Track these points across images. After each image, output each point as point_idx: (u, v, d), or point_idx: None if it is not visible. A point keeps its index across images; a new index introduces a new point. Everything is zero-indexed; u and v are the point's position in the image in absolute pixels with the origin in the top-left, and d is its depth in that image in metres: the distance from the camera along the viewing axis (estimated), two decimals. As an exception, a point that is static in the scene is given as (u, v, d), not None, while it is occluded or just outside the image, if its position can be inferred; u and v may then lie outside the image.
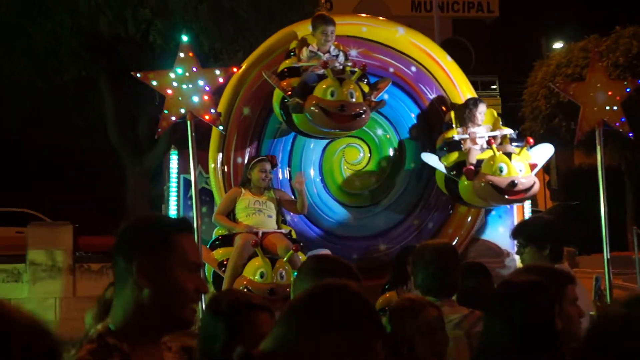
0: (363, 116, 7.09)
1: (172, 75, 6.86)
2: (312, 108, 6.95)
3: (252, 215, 7.22)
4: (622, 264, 14.95)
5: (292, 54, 7.56)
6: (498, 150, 7.26)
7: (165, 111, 6.91)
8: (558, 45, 26.79)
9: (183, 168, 7.87)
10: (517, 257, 6.63)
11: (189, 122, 6.82)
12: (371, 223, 8.15)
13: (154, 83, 6.97)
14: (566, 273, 3.64)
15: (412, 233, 8.09)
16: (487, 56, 30.32)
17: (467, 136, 7.56)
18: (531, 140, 7.65)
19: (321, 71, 7.17)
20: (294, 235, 7.40)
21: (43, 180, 23.40)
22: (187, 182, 7.59)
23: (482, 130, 7.65)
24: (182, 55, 6.97)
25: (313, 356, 2.04)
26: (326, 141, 8.02)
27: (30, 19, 14.10)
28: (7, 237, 17.59)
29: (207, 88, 6.91)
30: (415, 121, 8.18)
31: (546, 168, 30.94)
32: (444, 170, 7.52)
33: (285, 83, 7.24)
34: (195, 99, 6.84)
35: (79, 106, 17.56)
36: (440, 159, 7.64)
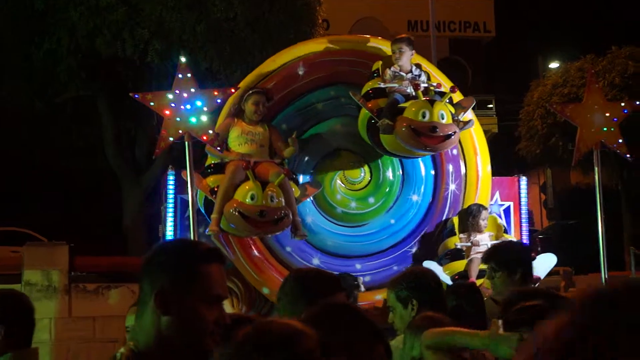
0: (453, 137, 7.13)
1: (170, 96, 6.87)
2: (403, 129, 7.01)
3: (244, 144, 7.35)
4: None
5: (375, 75, 7.63)
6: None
7: (163, 132, 6.90)
8: (554, 65, 26.89)
9: (180, 188, 7.85)
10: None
11: (186, 143, 6.81)
12: (352, 245, 8.13)
13: (152, 104, 6.98)
14: (566, 298, 3.63)
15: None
16: (484, 76, 30.44)
17: (469, 244, 7.53)
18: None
19: (408, 91, 7.26)
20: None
21: (40, 200, 23.35)
22: (185, 203, 7.57)
23: (485, 239, 7.59)
24: (180, 76, 6.97)
25: None
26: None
27: (28, 38, 14.12)
28: (2, 257, 17.50)
29: (205, 109, 6.90)
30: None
31: (542, 187, 30.96)
32: (448, 281, 7.31)
33: (371, 104, 7.32)
34: (193, 119, 6.84)
35: (77, 127, 17.55)
36: (442, 269, 7.58)
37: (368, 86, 7.54)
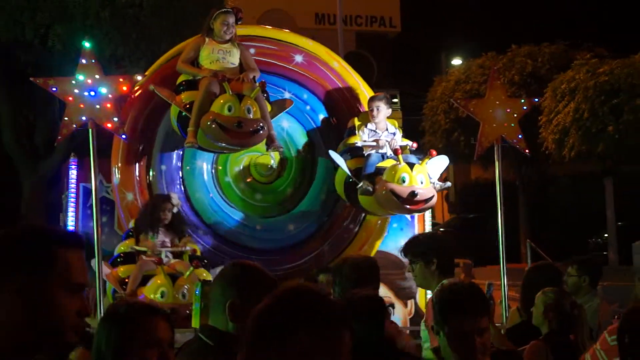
0: (431, 202, 7.63)
1: (73, 82, 6.71)
2: (384, 193, 7.35)
3: (215, 62, 7.42)
4: (516, 275, 15.44)
5: (352, 132, 7.87)
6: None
7: (66, 118, 6.74)
8: (457, 61, 27.60)
9: (83, 176, 7.69)
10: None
11: (90, 130, 6.68)
12: (277, 235, 8.21)
13: (55, 90, 6.81)
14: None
15: (314, 251, 8.17)
16: (390, 70, 30.90)
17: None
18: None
19: (384, 150, 7.65)
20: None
21: None
22: (87, 191, 7.43)
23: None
24: (84, 61, 6.82)
25: (282, 357, 2.02)
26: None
27: None
28: None
29: (109, 96, 6.78)
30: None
31: (444, 181, 31.77)
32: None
33: (349, 163, 7.63)
34: (98, 106, 6.70)
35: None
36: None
37: (345, 144, 7.75)
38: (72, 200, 7.84)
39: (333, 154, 7.66)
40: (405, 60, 32.37)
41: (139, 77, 7.52)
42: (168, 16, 14.03)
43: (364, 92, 8.30)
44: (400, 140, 7.78)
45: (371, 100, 7.87)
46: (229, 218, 8.09)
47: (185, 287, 6.83)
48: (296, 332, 2.02)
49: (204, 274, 7.09)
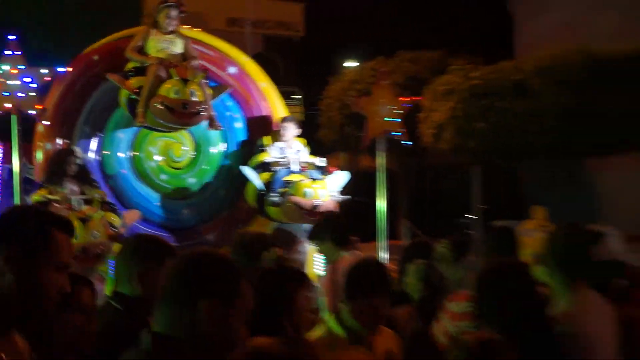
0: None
1: (-1, 71, 6.49)
2: (288, 205, 7.60)
3: (161, 51, 7.47)
4: (395, 250, 15.79)
5: (261, 148, 8.00)
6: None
7: (-10, 104, 6.52)
8: (352, 63, 27.78)
9: (6, 159, 7.44)
10: (307, 246, 6.98)
11: (13, 116, 6.48)
12: (172, 216, 8.15)
13: (-22, 77, 6.55)
14: None
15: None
16: (293, 70, 30.94)
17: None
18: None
19: (291, 166, 7.77)
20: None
21: None
22: (10, 172, 7.20)
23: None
24: (9, 52, 6.60)
25: (193, 320, 2.01)
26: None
27: None
28: None
29: (33, 85, 6.59)
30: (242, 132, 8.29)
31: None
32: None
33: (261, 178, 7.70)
34: (21, 94, 6.50)
35: None
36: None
37: (256, 160, 7.83)
38: (-3, 180, 7.57)
39: (245, 168, 7.73)
40: (307, 61, 32.45)
41: (62, 70, 7.32)
42: (87, 15, 13.62)
43: (280, 113, 8.31)
44: (306, 157, 7.87)
45: (282, 120, 7.95)
46: (135, 191, 8.00)
47: (95, 231, 6.78)
48: (203, 290, 2.03)
49: (113, 217, 7.11)
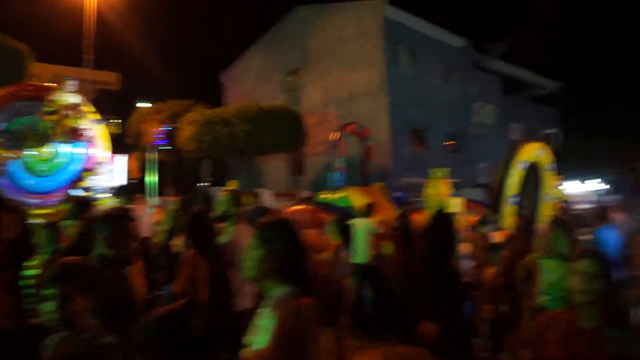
0: None
1: None
2: None
3: None
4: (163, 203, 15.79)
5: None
6: None
7: None
8: (144, 104, 27.94)
9: None
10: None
11: None
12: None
13: None
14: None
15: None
16: (112, 107, 31.65)
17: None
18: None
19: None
20: None
21: None
22: None
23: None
24: None
25: (77, 314, 2.05)
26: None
27: None
28: None
29: None
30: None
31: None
32: None
33: None
34: None
35: None
36: None
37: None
38: None
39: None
40: (122, 100, 35.61)
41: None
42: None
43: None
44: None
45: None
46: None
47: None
48: (82, 294, 2.01)
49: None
